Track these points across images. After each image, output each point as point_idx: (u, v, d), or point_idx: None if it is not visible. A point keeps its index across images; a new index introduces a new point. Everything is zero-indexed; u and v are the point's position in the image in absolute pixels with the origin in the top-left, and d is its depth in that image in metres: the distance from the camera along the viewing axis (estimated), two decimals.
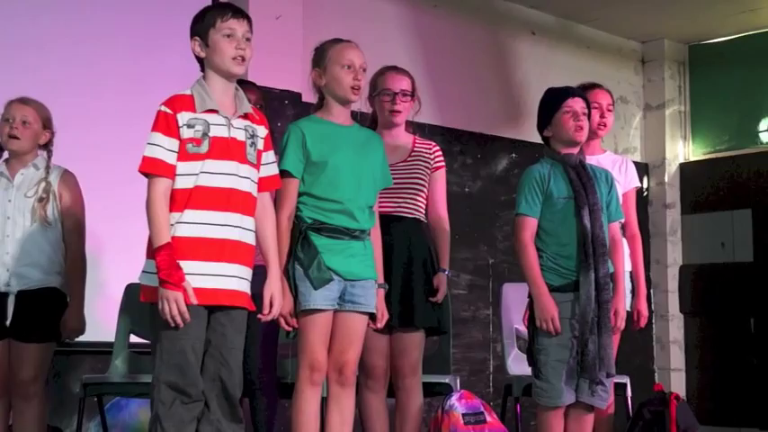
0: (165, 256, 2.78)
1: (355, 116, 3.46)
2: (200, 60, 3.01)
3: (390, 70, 3.80)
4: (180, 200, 2.86)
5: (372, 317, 3.32)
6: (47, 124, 3.73)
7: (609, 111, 4.27)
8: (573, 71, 6.69)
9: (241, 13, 2.99)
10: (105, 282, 4.60)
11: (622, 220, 3.82)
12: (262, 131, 3.06)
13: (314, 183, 3.24)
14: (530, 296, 3.55)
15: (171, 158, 2.87)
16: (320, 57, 3.34)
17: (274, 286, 3.01)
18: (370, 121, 3.83)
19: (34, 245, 3.60)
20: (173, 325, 2.79)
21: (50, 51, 4.80)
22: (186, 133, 2.89)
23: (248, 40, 2.98)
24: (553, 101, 3.64)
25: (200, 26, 2.98)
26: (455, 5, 6.55)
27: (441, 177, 3.78)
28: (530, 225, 3.54)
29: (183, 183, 2.88)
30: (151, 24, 5.12)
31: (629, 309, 4.00)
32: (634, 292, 4.10)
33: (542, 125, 3.68)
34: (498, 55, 6.78)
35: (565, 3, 6.86)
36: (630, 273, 4.11)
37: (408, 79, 3.79)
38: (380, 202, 3.49)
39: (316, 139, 3.26)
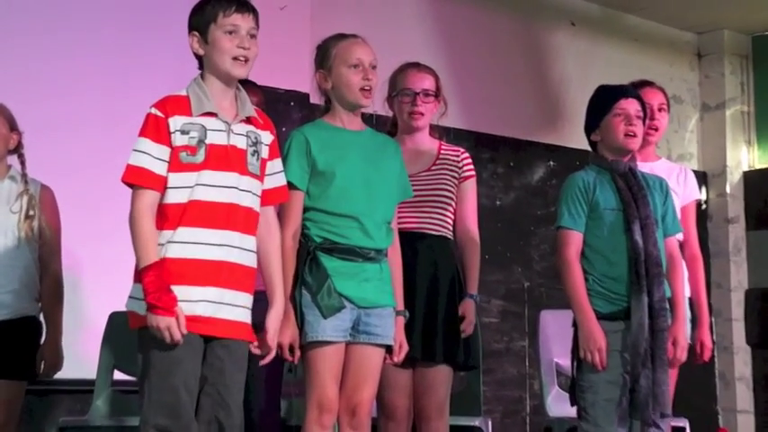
0: (154, 278, 2.79)
1: (371, 119, 3.50)
2: (198, 58, 3.03)
3: (411, 67, 3.83)
4: (172, 216, 2.87)
5: (390, 349, 3.32)
6: (12, 125, 3.73)
7: (661, 112, 4.27)
8: (619, 67, 6.73)
9: (246, 6, 3.01)
10: (86, 310, 4.60)
11: (680, 236, 3.83)
12: (267, 137, 3.08)
13: (321, 196, 3.26)
14: (574, 324, 3.55)
15: (159, 168, 2.88)
16: (324, 56, 3.36)
17: (276, 321, 3.02)
18: (389, 125, 3.87)
19: (8, 268, 3.62)
20: (165, 350, 2.79)
21: (17, 43, 4.74)
22: (179, 140, 2.90)
23: (253, 37, 3.00)
24: (603, 101, 3.66)
25: (200, 20, 3.00)
26: None
27: (470, 188, 3.80)
28: (574, 240, 3.55)
29: (175, 197, 2.89)
30: (140, 13, 5.10)
31: (689, 340, 3.96)
32: (694, 321, 4.09)
33: (590, 128, 3.70)
34: (533, 49, 6.81)
35: None
36: (690, 299, 4.09)
37: (431, 77, 3.82)
38: (400, 218, 3.50)
39: (322, 146, 3.29)
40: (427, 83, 3.78)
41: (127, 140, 3.02)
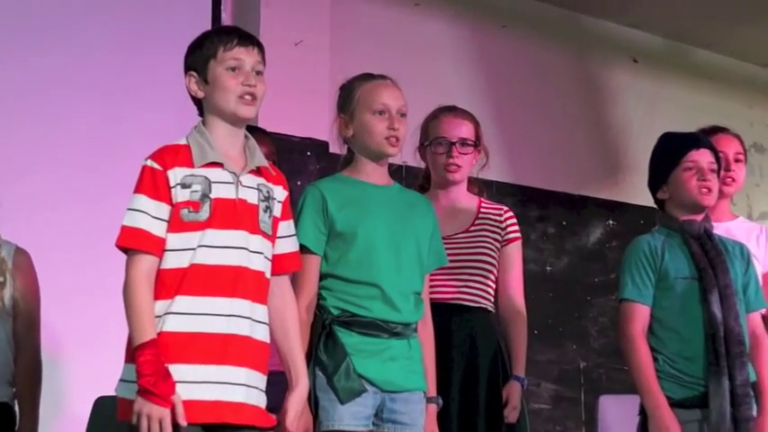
0: (150, 357, 2.76)
1: (400, 171, 3.52)
2: (197, 102, 3.05)
3: (446, 112, 3.85)
4: (171, 283, 2.86)
5: None
6: None
7: (738, 162, 4.26)
8: (688, 110, 6.75)
9: (250, 40, 3.03)
10: (68, 394, 4.57)
11: (764, 311, 3.80)
12: (280, 193, 3.08)
13: (340, 261, 3.25)
14: (641, 412, 3.52)
15: (159, 229, 2.88)
16: (346, 99, 3.38)
17: (299, 404, 3.00)
18: (421, 179, 3.89)
19: None
20: None
21: None
22: (181, 195, 2.90)
23: (260, 73, 3.02)
24: (671, 152, 3.67)
25: (198, 57, 3.01)
26: (531, 25, 6.64)
27: (515, 252, 3.80)
28: (639, 314, 3.54)
29: (175, 261, 2.88)
30: (134, 54, 5.17)
31: None
32: None
33: (656, 184, 3.70)
34: (589, 90, 6.84)
35: (676, 20, 6.92)
36: None
37: (470, 123, 3.83)
38: (433, 287, 3.49)
39: (341, 204, 3.28)
40: (465, 130, 3.79)
41: (118, 196, 3.04)
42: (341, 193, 3.30)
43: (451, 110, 3.85)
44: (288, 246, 3.09)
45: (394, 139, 3.29)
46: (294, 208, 3.21)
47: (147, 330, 2.79)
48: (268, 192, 3.03)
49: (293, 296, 3.10)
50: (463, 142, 3.76)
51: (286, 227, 3.09)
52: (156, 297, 2.85)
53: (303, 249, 3.20)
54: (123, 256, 2.90)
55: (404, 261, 3.28)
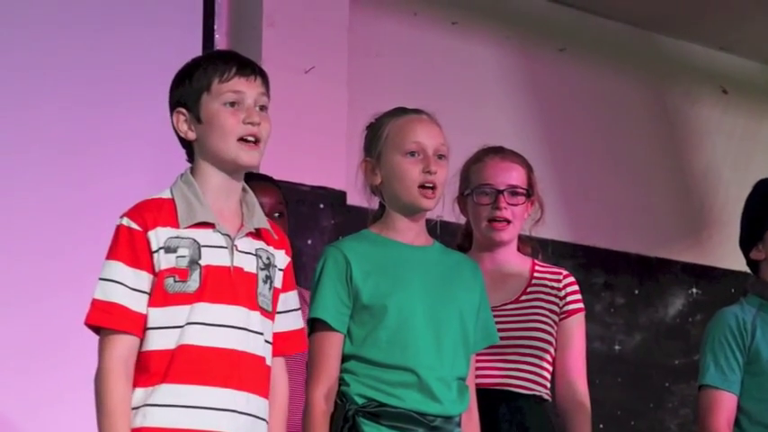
0: None
1: (435, 228, 3.50)
2: (185, 145, 3.06)
3: (491, 155, 3.85)
4: (155, 368, 2.87)
5: None
6: None
7: None
8: None
9: (251, 68, 3.03)
10: None
11: None
12: (281, 260, 3.09)
13: (367, 340, 3.26)
14: None
15: (138, 303, 2.88)
16: (373, 139, 3.39)
17: None
18: (460, 237, 3.89)
19: None
20: None
21: None
22: (164, 261, 2.90)
23: (264, 108, 3.03)
24: (767, 205, 3.68)
25: (187, 90, 3.02)
26: (595, 48, 6.68)
27: (577, 327, 3.81)
28: (724, 404, 3.56)
29: (158, 341, 2.88)
30: (108, 89, 5.10)
31: None
32: None
33: (749, 242, 3.72)
34: (668, 127, 6.86)
35: None
36: None
37: (521, 168, 3.83)
38: (480, 370, 3.51)
39: (368, 270, 3.28)
40: (515, 176, 3.79)
41: (86, 261, 3.14)
42: (368, 257, 3.30)
43: (498, 151, 3.85)
44: (289, 322, 3.10)
45: (430, 190, 3.29)
46: (306, 274, 3.30)
47: (121, 429, 2.80)
48: (268, 258, 3.03)
49: (285, 382, 3.09)
50: (513, 191, 3.76)
51: (287, 300, 3.10)
52: (135, 384, 2.86)
53: (322, 326, 3.23)
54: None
55: (445, 340, 3.28)
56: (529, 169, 3.85)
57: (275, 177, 4.06)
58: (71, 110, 4.98)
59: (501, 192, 3.75)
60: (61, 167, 4.92)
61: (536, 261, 3.87)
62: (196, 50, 4.96)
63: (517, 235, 3.83)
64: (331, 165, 5.29)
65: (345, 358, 3.26)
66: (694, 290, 6.77)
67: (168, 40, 5.10)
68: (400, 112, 3.39)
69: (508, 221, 3.76)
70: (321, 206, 5.37)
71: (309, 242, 4.94)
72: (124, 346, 2.85)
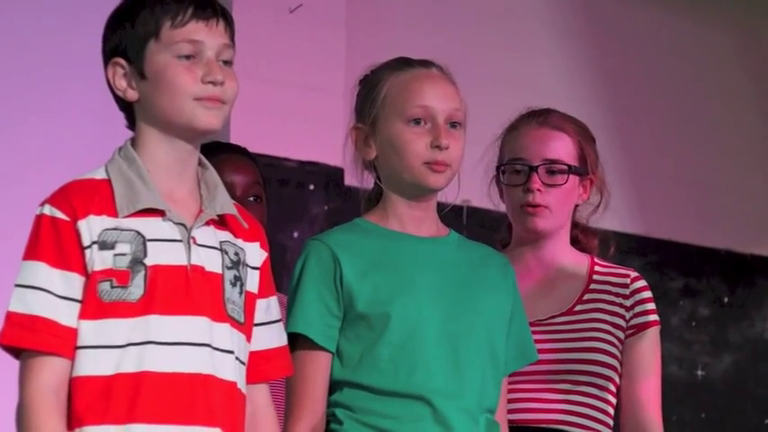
0: None
1: (459, 217, 3.27)
2: (124, 107, 2.91)
3: (531, 120, 3.67)
4: (90, 400, 2.75)
5: None
6: None
7: None
8: None
9: (212, 9, 2.89)
10: None
11: None
12: (255, 255, 2.98)
13: (364, 360, 3.12)
14: None
15: (68, 315, 2.77)
16: (367, 98, 3.24)
17: None
18: (504, 231, 3.78)
19: None
20: None
21: None
22: (98, 261, 2.77)
23: (228, 63, 2.89)
24: None
25: (128, 36, 2.88)
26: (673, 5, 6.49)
27: (649, 346, 3.65)
28: None
29: (90, 365, 2.76)
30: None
31: None
32: None
33: None
34: (759, 105, 6.72)
35: None
36: None
37: (568, 137, 3.65)
38: (516, 401, 3.44)
39: (364, 270, 3.14)
40: (557, 147, 3.61)
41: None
42: (363, 252, 3.17)
43: (541, 115, 3.65)
44: (272, 338, 2.99)
45: (440, 166, 3.12)
46: (291, 275, 3.15)
47: None
48: (237, 254, 2.92)
49: (272, 415, 3.00)
50: (550, 167, 3.55)
51: (268, 308, 2.99)
52: (72, 426, 2.78)
53: (303, 343, 3.11)
54: None
55: (466, 358, 3.15)
56: (582, 139, 3.67)
57: (251, 150, 3.89)
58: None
59: (534, 168, 3.57)
60: None
61: (596, 259, 3.70)
62: None
63: (563, 224, 3.65)
64: (324, 133, 5.22)
65: (335, 386, 3.15)
66: None
67: None
68: (403, 64, 3.25)
69: (543, 207, 3.60)
70: (311, 187, 5.38)
71: (296, 235, 4.90)
72: (53, 372, 2.77)
